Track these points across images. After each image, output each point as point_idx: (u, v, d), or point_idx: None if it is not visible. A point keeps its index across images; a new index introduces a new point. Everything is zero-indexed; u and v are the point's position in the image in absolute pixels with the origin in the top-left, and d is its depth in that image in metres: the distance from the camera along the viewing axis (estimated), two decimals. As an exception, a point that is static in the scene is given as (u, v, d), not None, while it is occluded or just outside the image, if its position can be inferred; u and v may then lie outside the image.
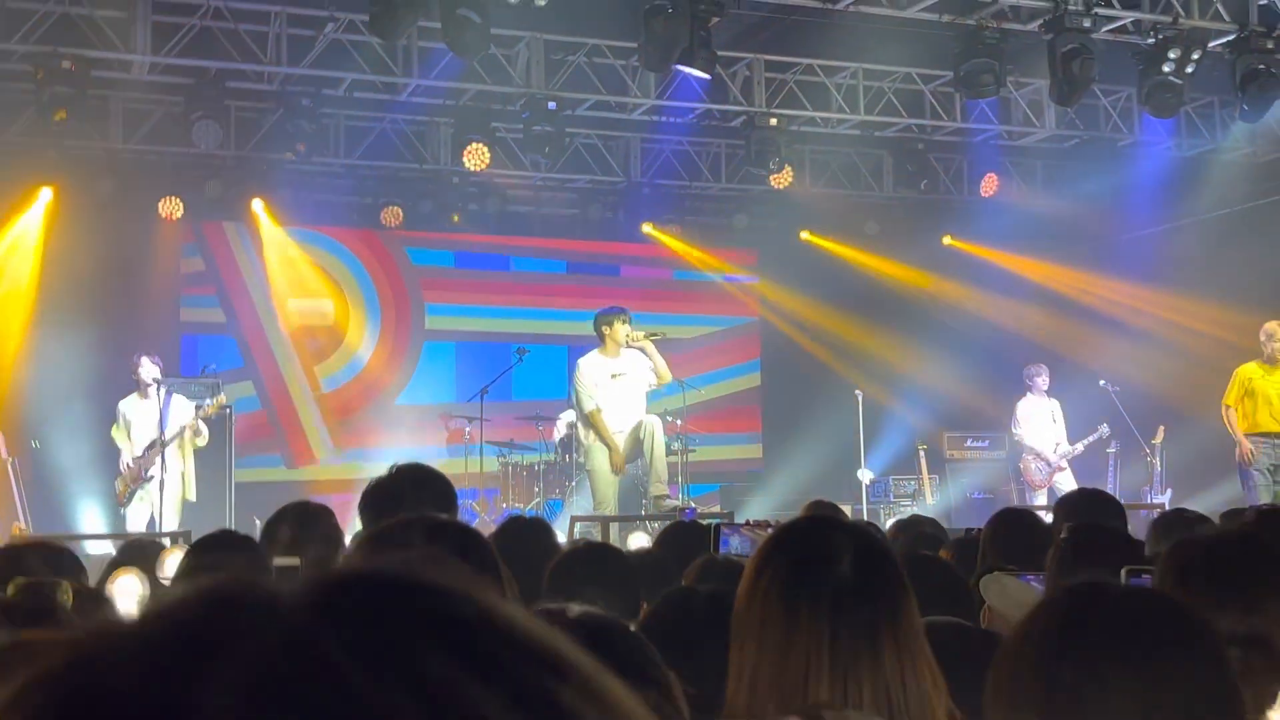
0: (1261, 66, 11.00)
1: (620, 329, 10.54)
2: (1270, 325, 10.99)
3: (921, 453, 13.42)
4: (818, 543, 2.05)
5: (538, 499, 11.71)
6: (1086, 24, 10.51)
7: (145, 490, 10.52)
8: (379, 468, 4.09)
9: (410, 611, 0.52)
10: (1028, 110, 13.37)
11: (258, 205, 13.55)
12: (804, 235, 15.24)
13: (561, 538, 6.62)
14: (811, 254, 15.25)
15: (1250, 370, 11.00)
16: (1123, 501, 11.71)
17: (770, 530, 3.09)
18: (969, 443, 14.12)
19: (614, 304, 10.95)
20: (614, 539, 8.86)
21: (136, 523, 10.42)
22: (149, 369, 10.60)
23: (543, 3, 9.29)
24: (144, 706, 0.48)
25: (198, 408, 10.69)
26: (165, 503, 10.30)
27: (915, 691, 1.96)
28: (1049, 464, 12.90)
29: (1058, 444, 13.00)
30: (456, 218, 14.07)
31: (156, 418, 10.49)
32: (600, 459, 10.53)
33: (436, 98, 12.26)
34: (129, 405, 10.79)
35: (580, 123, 12.96)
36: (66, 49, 10.46)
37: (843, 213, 14.73)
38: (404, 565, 0.54)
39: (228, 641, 0.50)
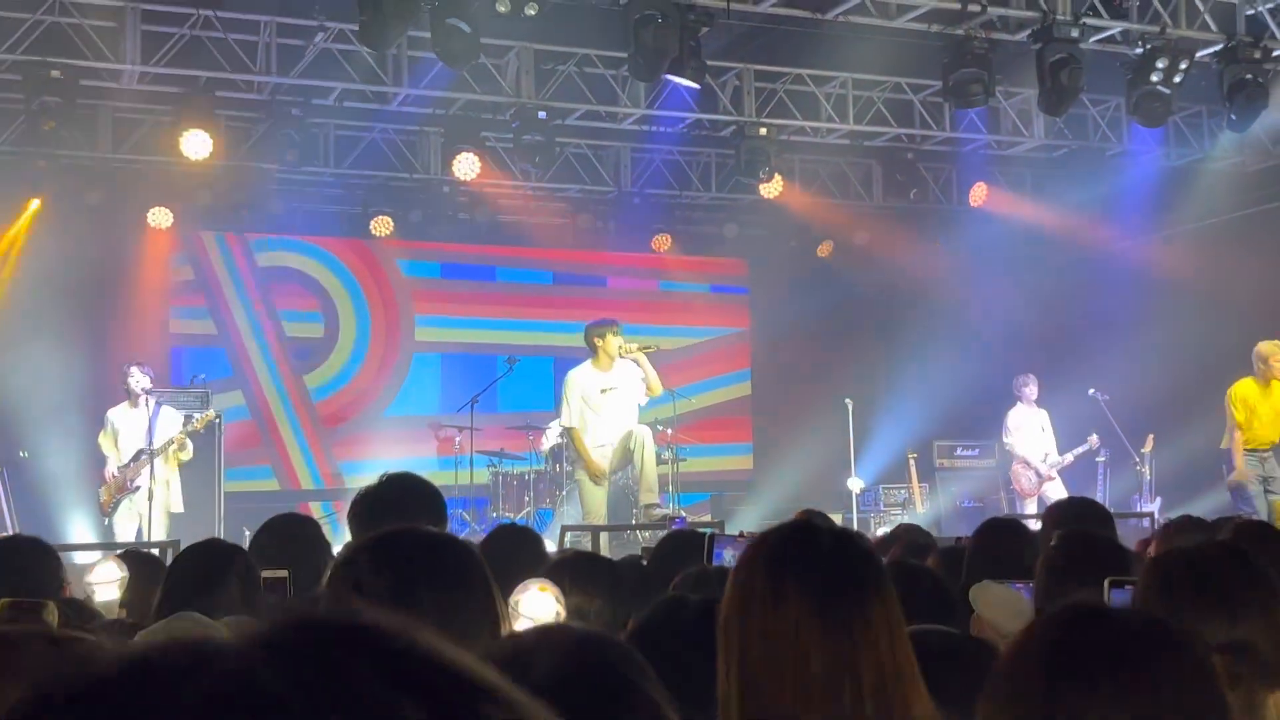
0: (1249, 76, 11.05)
1: (612, 341, 10.54)
2: (1261, 346, 10.99)
3: (912, 461, 13.45)
4: (798, 535, 2.12)
5: (528, 508, 11.71)
6: (1075, 34, 10.55)
7: (133, 500, 10.49)
8: (368, 478, 4.09)
9: (345, 647, 0.56)
10: (1016, 120, 13.40)
11: (247, 214, 13.53)
12: (794, 244, 15.25)
13: (552, 547, 6.62)
14: (801, 263, 15.27)
15: (1247, 388, 10.99)
16: (1112, 510, 11.72)
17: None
18: (959, 451, 14.15)
19: (605, 316, 10.97)
20: (604, 549, 8.86)
21: (124, 533, 10.38)
22: (139, 379, 10.57)
23: (532, 12, 9.31)
24: None
25: (186, 419, 10.66)
26: (154, 513, 10.26)
27: (909, 674, 1.98)
28: (1038, 473, 12.92)
29: (1047, 454, 13.02)
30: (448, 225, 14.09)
31: (145, 428, 10.46)
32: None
33: (426, 107, 12.26)
34: (118, 414, 10.75)
35: (570, 132, 12.97)
36: (55, 59, 10.45)
37: (832, 222, 14.75)
38: (342, 607, 0.59)
39: (179, 680, 0.53)
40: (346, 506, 4.03)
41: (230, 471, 11.82)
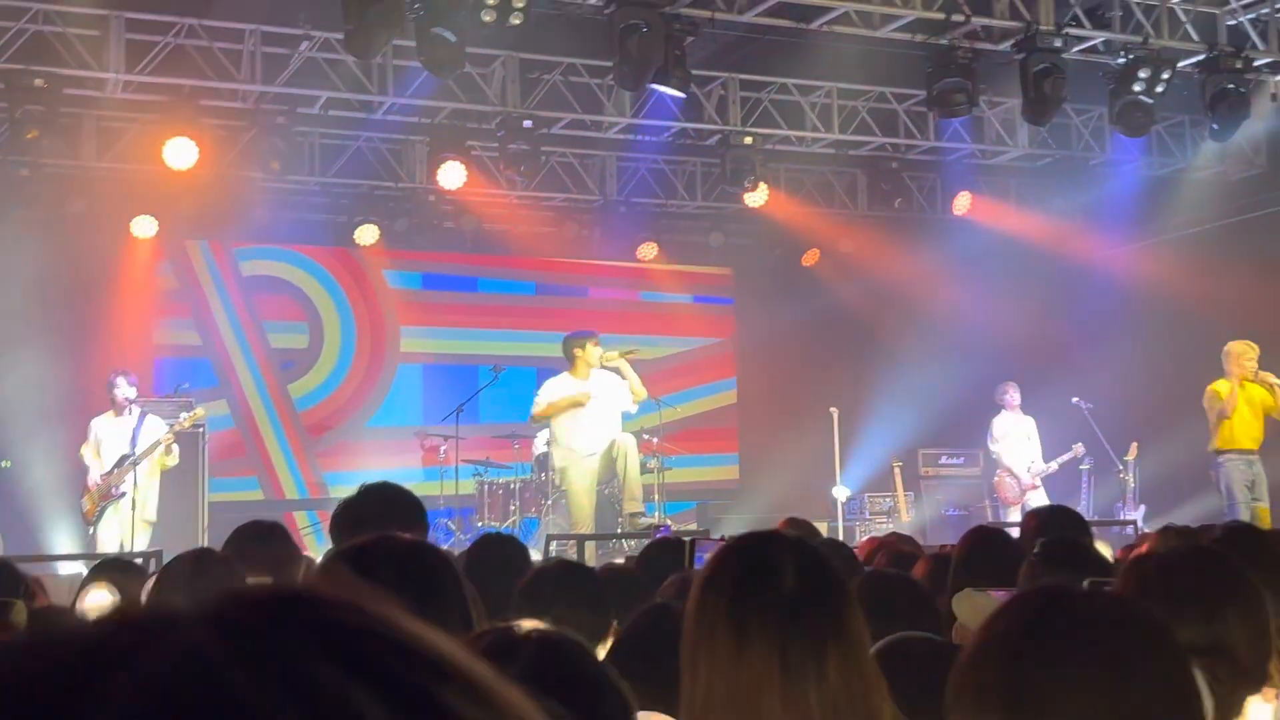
0: (1230, 86, 11.12)
1: (592, 350, 10.62)
2: (1231, 345, 11.05)
3: (897, 470, 13.46)
4: (760, 558, 2.06)
5: (514, 517, 11.69)
6: (1058, 44, 10.60)
7: (118, 508, 10.43)
8: (353, 487, 4.09)
9: (297, 623, 0.55)
10: (1000, 129, 13.46)
11: (231, 223, 13.50)
12: (779, 253, 15.27)
13: (538, 556, 6.61)
14: (787, 272, 15.29)
15: (1222, 388, 11.08)
16: (1096, 517, 11.74)
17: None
18: (944, 459, 14.17)
19: (586, 327, 11.05)
20: (590, 557, 8.86)
21: (108, 542, 10.32)
22: (125, 389, 10.53)
23: (518, 21, 9.31)
24: (39, 713, 0.51)
25: (170, 423, 10.62)
26: (135, 522, 10.21)
27: (861, 702, 1.97)
28: (1022, 481, 12.95)
29: (1032, 461, 13.06)
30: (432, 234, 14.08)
31: (129, 436, 10.42)
32: (576, 478, 10.56)
33: (412, 116, 12.26)
34: (101, 423, 10.71)
35: (556, 141, 12.97)
36: (39, 67, 10.43)
37: (817, 231, 14.78)
38: (296, 582, 0.56)
39: (125, 654, 0.52)
40: (329, 516, 4.03)
41: (214, 481, 11.78)
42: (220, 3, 10.69)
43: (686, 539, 4.94)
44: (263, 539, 4.35)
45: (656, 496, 11.61)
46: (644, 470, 11.18)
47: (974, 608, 3.33)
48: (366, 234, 13.68)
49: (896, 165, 13.86)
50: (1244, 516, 10.25)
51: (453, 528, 11.99)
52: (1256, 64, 11.44)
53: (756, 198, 13.23)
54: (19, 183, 11.92)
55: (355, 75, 11.32)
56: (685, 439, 13.91)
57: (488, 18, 9.22)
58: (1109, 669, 1.56)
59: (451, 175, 12.23)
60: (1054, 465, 13.01)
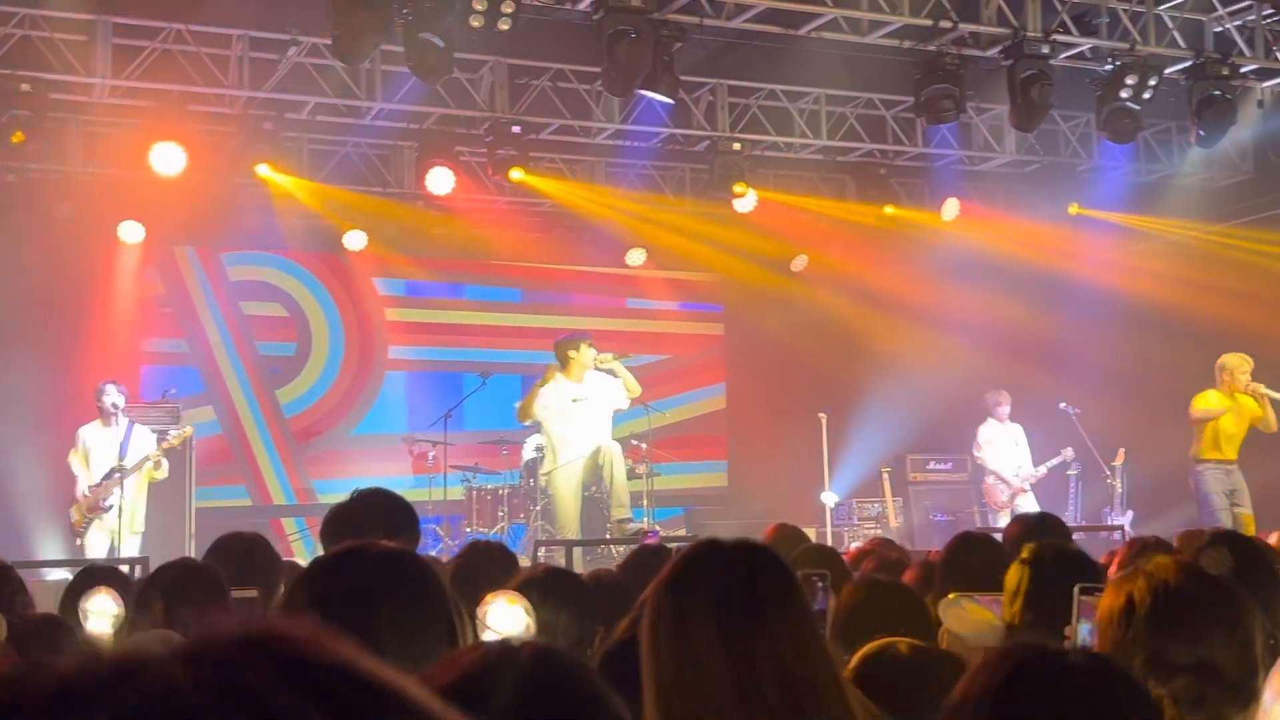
0: (1217, 93, 11.16)
1: (586, 353, 10.66)
2: (1226, 358, 11.13)
3: (885, 475, 13.47)
4: (700, 552, 2.18)
5: (502, 523, 11.67)
6: (1045, 50, 10.63)
7: (104, 520, 10.40)
8: (341, 493, 4.08)
9: (263, 659, 0.59)
10: (988, 135, 13.49)
11: (219, 229, 13.48)
12: (768, 259, 15.29)
13: (526, 562, 6.60)
14: (775, 277, 15.30)
15: (1211, 397, 11.13)
16: (1083, 523, 11.78)
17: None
18: (932, 465, 14.18)
19: (577, 331, 11.09)
20: (578, 563, 8.85)
21: (95, 551, 10.28)
22: (114, 397, 10.50)
23: (506, 27, 9.31)
24: None
25: (160, 438, 10.59)
26: (123, 531, 10.19)
27: (817, 668, 2.00)
28: (1010, 487, 12.97)
29: (1020, 467, 13.07)
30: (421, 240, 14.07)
31: (117, 446, 10.39)
32: (560, 482, 10.56)
33: (400, 121, 12.25)
34: (89, 432, 10.67)
35: (544, 147, 12.97)
36: (25, 72, 10.39)
37: (806, 236, 14.79)
38: (264, 622, 0.62)
39: (103, 690, 0.57)
40: (318, 523, 4.03)
41: (201, 487, 11.74)
42: (208, 7, 10.66)
43: (674, 546, 4.93)
44: (246, 549, 4.34)
45: (645, 502, 11.60)
46: (632, 476, 11.19)
47: (960, 615, 3.34)
48: (355, 239, 13.66)
49: (884, 171, 13.87)
50: (1225, 522, 10.29)
51: (441, 534, 11.97)
52: (1243, 70, 11.49)
53: (745, 203, 13.23)
54: (5, 188, 11.90)
55: (343, 80, 11.30)
56: (674, 445, 13.90)
57: (476, 23, 9.21)
58: None
59: (440, 181, 12.22)
60: (1042, 470, 13.03)
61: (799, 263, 15.29)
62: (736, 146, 12.66)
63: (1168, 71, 11.26)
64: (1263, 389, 10.95)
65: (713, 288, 15.89)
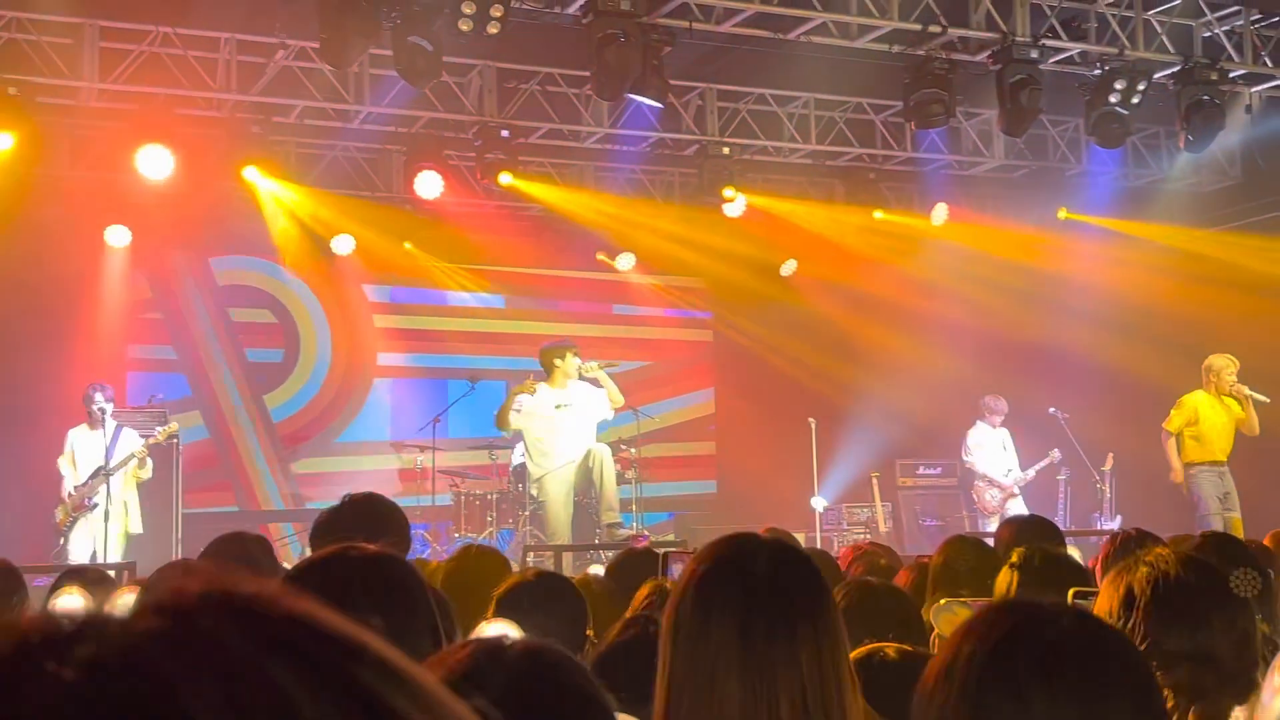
0: (1205, 98, 11.18)
1: (571, 361, 10.65)
2: (1212, 359, 11.16)
3: (874, 480, 13.46)
4: (735, 550, 2.11)
5: (490, 528, 11.64)
6: (1034, 55, 10.64)
7: (89, 520, 10.37)
8: (329, 498, 4.07)
9: (219, 614, 0.59)
10: (977, 140, 13.51)
11: (206, 233, 13.44)
12: (757, 263, 15.29)
13: (516, 568, 6.58)
14: (763, 282, 15.29)
15: (1198, 400, 11.16)
16: (1073, 528, 11.77)
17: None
18: (921, 470, 14.18)
19: (562, 338, 11.09)
20: (567, 568, 8.83)
21: (79, 554, 10.25)
22: (101, 401, 10.47)
23: (495, 30, 9.29)
24: None
25: (145, 437, 10.56)
26: (109, 534, 10.15)
27: (835, 690, 1.96)
28: (1001, 490, 12.97)
29: (1009, 470, 13.08)
30: (409, 245, 14.04)
31: (104, 449, 10.36)
32: (552, 488, 10.54)
33: (388, 125, 12.22)
34: (77, 435, 10.65)
35: (533, 151, 12.95)
36: (12, 75, 10.35)
37: (794, 241, 14.79)
38: (226, 580, 0.62)
39: (61, 644, 0.57)
40: (305, 527, 4.01)
41: (188, 492, 11.68)
42: (195, 11, 10.63)
43: (661, 551, 4.92)
44: (244, 552, 4.32)
45: (634, 508, 11.59)
46: (621, 481, 11.17)
47: (952, 619, 3.32)
48: (342, 244, 13.62)
49: (873, 176, 13.88)
50: (1217, 527, 10.31)
51: (429, 540, 11.94)
52: (1231, 75, 11.52)
53: (734, 208, 13.23)
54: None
55: (331, 84, 11.28)
56: (663, 448, 13.89)
57: (465, 27, 9.20)
58: (1075, 697, 1.53)
59: (428, 185, 12.19)
60: (1031, 473, 13.04)
61: (788, 267, 15.29)
62: (726, 151, 12.67)
63: (1156, 76, 11.29)
64: (1246, 390, 10.99)
65: (702, 292, 15.87)
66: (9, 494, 11.52)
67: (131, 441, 10.53)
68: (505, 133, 11.95)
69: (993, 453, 13.11)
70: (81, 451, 10.58)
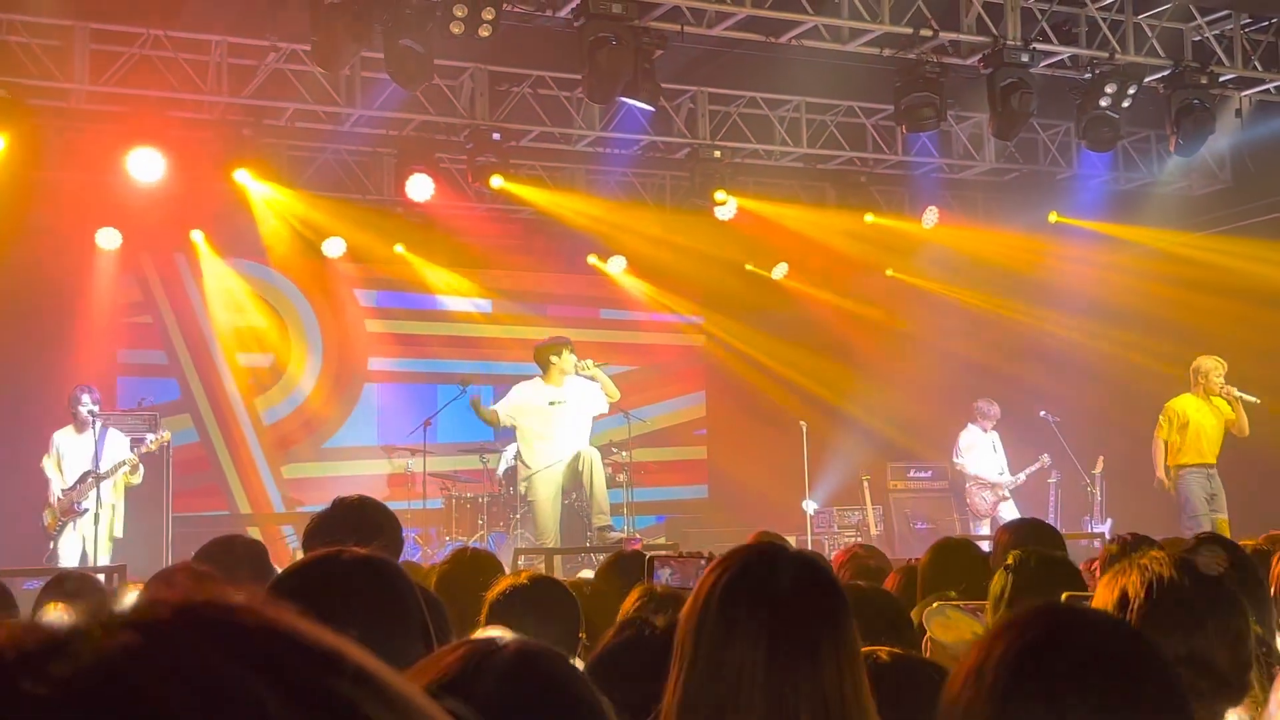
0: (1195, 101, 11.21)
1: (568, 358, 10.65)
2: (1200, 361, 11.18)
3: (865, 483, 13.46)
4: (758, 562, 2.08)
5: (481, 531, 11.64)
6: (1025, 59, 10.66)
7: (78, 524, 10.34)
8: (320, 501, 4.06)
9: (193, 627, 0.59)
10: (968, 144, 13.52)
11: (197, 236, 13.42)
12: (748, 267, 15.31)
13: (507, 571, 6.57)
14: (754, 285, 15.30)
15: (1185, 403, 11.17)
16: (1063, 531, 11.81)
17: (702, 561, 3.08)
18: (912, 473, 14.19)
19: (558, 336, 11.07)
20: (558, 571, 8.81)
21: (68, 557, 10.22)
22: (88, 404, 10.44)
23: (486, 34, 9.28)
24: None
25: (136, 442, 10.53)
26: (99, 537, 10.12)
27: (855, 706, 1.95)
28: (993, 493, 12.99)
29: (1000, 473, 13.10)
30: (400, 247, 14.02)
31: (91, 451, 10.33)
32: (540, 487, 10.53)
33: (379, 128, 12.20)
34: (63, 437, 10.62)
35: (524, 154, 12.94)
36: (2, 76, 10.32)
37: (785, 245, 14.80)
38: (205, 591, 0.62)
39: (38, 656, 0.57)
40: (294, 531, 4.01)
41: (178, 495, 11.66)
42: (187, 13, 10.61)
43: (647, 555, 4.92)
44: (236, 556, 4.32)
45: (625, 511, 11.58)
46: (612, 484, 11.16)
47: (944, 623, 3.32)
48: (333, 246, 13.60)
49: (864, 179, 13.90)
50: (1205, 528, 10.32)
51: (420, 543, 11.92)
52: (1221, 79, 11.54)
53: (725, 211, 13.23)
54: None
55: (323, 86, 11.26)
56: (654, 451, 13.89)
57: (456, 30, 9.19)
58: (1105, 699, 1.52)
59: (419, 188, 12.18)
60: (1021, 477, 13.06)
61: (779, 270, 15.30)
62: (717, 154, 12.67)
63: (1147, 80, 11.31)
64: (1236, 391, 11.01)
65: (693, 295, 15.87)
66: (1, 497, 11.47)
67: (119, 445, 10.51)
68: (497, 135, 11.94)
69: (984, 455, 13.13)
70: (68, 454, 10.54)
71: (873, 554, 5.93)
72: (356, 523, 3.85)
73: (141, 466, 10.56)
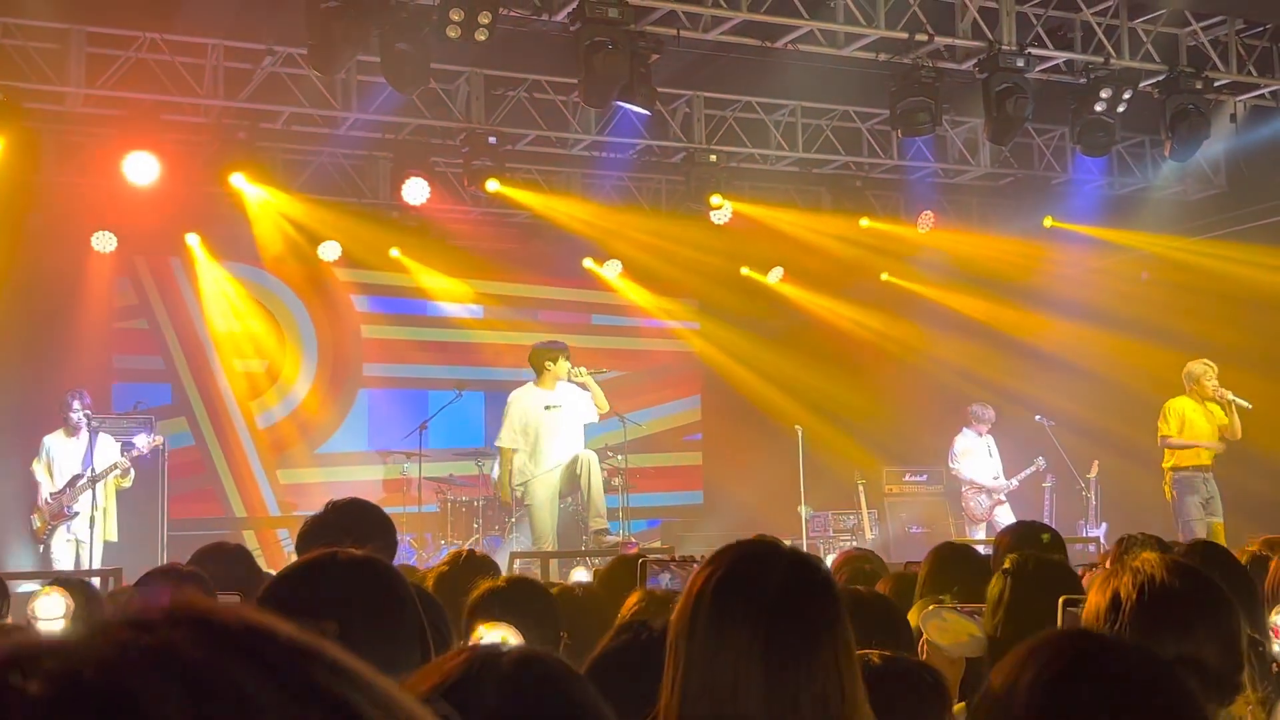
0: (1190, 107, 11.22)
1: (563, 364, 10.65)
2: (1191, 366, 11.19)
3: (860, 488, 13.47)
4: (752, 558, 2.07)
5: (477, 535, 11.63)
6: (1020, 64, 10.67)
7: (71, 527, 10.33)
8: (315, 504, 4.07)
9: (181, 626, 0.62)
10: (963, 148, 13.54)
11: (193, 239, 13.40)
12: (743, 271, 15.31)
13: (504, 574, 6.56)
14: (750, 290, 15.31)
15: (1183, 404, 11.19)
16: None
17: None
18: (907, 477, 14.20)
19: (554, 341, 11.06)
20: (554, 575, 8.81)
21: (63, 561, 10.20)
22: (79, 410, 10.42)
23: (483, 38, 9.28)
24: None
25: (127, 446, 10.52)
26: (94, 541, 10.11)
27: (853, 704, 1.95)
28: (989, 497, 13.00)
29: (995, 477, 13.11)
30: (395, 251, 14.01)
31: (81, 455, 10.32)
32: (537, 491, 10.52)
33: (375, 131, 12.21)
34: (54, 440, 10.61)
35: (520, 158, 12.94)
36: (-2, 80, 10.32)
37: (781, 249, 14.80)
38: (190, 596, 0.65)
39: (32, 659, 0.59)
40: (289, 534, 4.02)
41: (173, 498, 11.65)
42: (183, 17, 10.60)
43: (640, 558, 4.92)
44: (226, 560, 4.33)
45: (621, 516, 11.58)
46: (608, 489, 11.16)
47: (941, 625, 3.32)
48: (329, 250, 13.59)
49: (860, 183, 13.91)
50: (1199, 533, 10.34)
51: (415, 546, 11.91)
52: (1216, 84, 11.56)
53: (721, 215, 13.24)
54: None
55: (318, 90, 11.25)
56: (650, 455, 13.89)
57: (453, 34, 9.19)
58: None
59: (415, 191, 12.18)
60: (1015, 481, 13.07)
61: (775, 274, 15.30)
62: (713, 158, 12.67)
63: (1142, 85, 11.33)
64: (1229, 395, 11.03)
65: (688, 298, 15.88)
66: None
67: (109, 449, 10.49)
68: (493, 139, 11.93)
69: (979, 459, 13.14)
70: (59, 457, 10.53)
71: (868, 559, 5.93)
72: (350, 525, 3.86)
73: (132, 470, 10.54)
